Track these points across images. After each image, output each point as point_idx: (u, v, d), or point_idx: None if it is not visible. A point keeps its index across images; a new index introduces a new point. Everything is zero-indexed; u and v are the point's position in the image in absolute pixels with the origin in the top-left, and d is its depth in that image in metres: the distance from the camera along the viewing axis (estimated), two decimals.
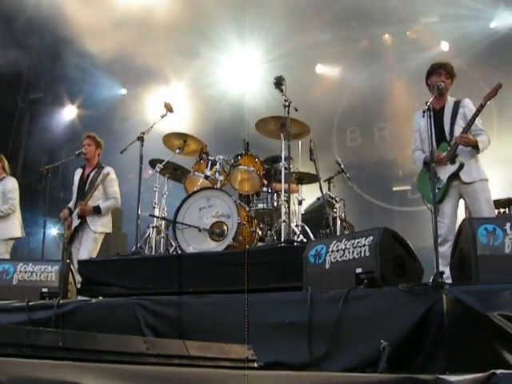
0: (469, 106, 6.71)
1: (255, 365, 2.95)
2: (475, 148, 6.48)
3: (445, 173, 6.58)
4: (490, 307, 3.94)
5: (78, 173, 8.74)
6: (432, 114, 5.47)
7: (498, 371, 3.31)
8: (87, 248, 8.21)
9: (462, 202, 6.79)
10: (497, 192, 8.46)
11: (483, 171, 6.63)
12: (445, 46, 12.04)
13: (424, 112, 5.46)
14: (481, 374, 3.29)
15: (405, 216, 11.66)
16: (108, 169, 8.59)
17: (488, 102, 6.42)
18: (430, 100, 5.61)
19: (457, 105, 6.77)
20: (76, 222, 8.33)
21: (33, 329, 2.37)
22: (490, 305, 3.96)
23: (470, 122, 6.45)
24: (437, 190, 6.47)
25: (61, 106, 14.37)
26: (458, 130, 6.62)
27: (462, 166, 6.50)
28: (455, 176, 6.54)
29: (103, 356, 2.44)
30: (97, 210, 8.25)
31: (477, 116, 6.46)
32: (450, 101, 6.84)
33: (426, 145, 6.61)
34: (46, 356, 2.24)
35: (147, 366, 2.31)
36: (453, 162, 6.55)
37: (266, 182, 8.12)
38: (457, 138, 6.49)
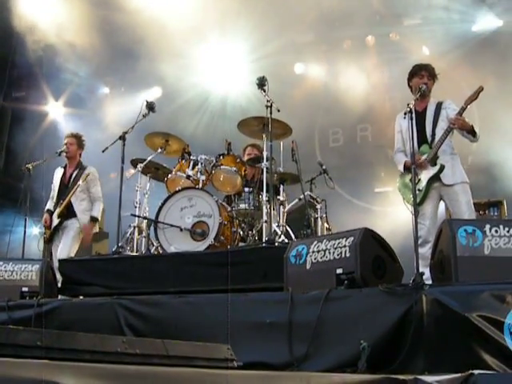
0: (451, 107, 6.75)
1: (234, 364, 2.96)
2: (471, 133, 6.51)
3: (425, 174, 6.62)
4: (469, 308, 3.97)
5: (59, 172, 8.74)
6: (414, 115, 5.52)
7: (476, 371, 3.34)
8: (67, 245, 8.23)
9: (442, 204, 6.84)
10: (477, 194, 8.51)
11: (464, 173, 6.68)
12: (426, 49, 12.08)
13: (405, 114, 5.50)
14: (459, 375, 3.32)
15: (386, 216, 11.68)
16: (90, 169, 8.60)
17: (469, 105, 6.47)
18: (412, 102, 5.65)
19: (439, 106, 6.81)
20: (55, 222, 8.33)
21: (11, 327, 2.35)
22: (469, 306, 3.99)
23: (462, 110, 6.48)
24: (417, 192, 6.52)
25: (44, 105, 14.29)
26: (439, 132, 6.67)
27: (442, 168, 6.55)
28: (436, 178, 6.58)
29: (82, 355, 2.43)
30: (94, 220, 8.36)
31: (464, 110, 6.50)
32: (432, 102, 6.88)
33: (408, 146, 6.66)
34: (24, 355, 2.23)
35: (126, 366, 2.31)
36: (434, 164, 6.59)
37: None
38: (452, 120, 6.50)
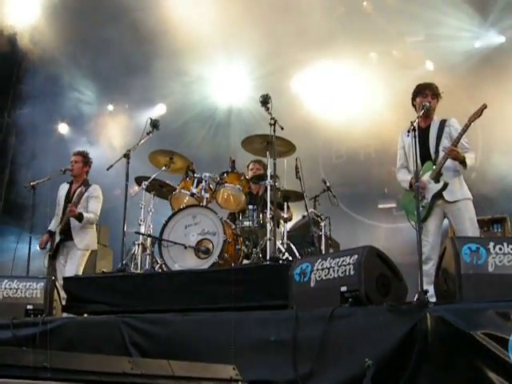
0: (454, 126, 6.76)
1: None
2: (462, 163, 6.53)
3: (429, 192, 6.63)
4: (473, 326, 3.96)
5: (64, 188, 8.75)
6: (417, 132, 5.53)
7: None
8: (74, 265, 8.21)
9: (446, 221, 6.84)
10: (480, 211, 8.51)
11: (467, 190, 6.68)
12: (430, 65, 12.12)
13: (409, 131, 5.51)
14: None
15: (390, 233, 11.68)
16: (94, 186, 8.61)
17: (473, 123, 6.48)
18: (416, 119, 5.66)
19: (442, 124, 6.81)
20: (57, 239, 8.33)
21: (18, 349, 2.37)
22: (473, 323, 3.99)
23: (457, 139, 6.49)
24: (421, 209, 6.53)
25: (48, 121, 14.33)
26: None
27: (445, 186, 6.55)
28: (439, 195, 6.59)
29: (88, 376, 2.44)
30: (79, 217, 8.26)
31: (462, 135, 6.51)
32: (436, 120, 6.88)
33: (411, 163, 6.67)
34: (31, 376, 2.24)
35: None
36: (437, 181, 6.60)
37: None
38: (446, 150, 6.52)
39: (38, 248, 8.58)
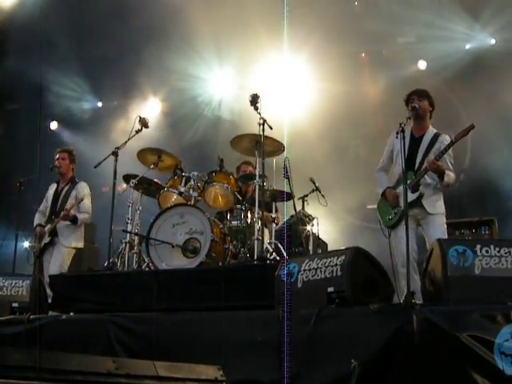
0: (445, 143, 6.73)
1: None
2: (441, 178, 6.54)
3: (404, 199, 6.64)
4: (459, 328, 3.98)
5: (53, 187, 8.72)
6: (410, 140, 5.55)
7: None
8: (58, 261, 8.17)
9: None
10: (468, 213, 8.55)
11: (443, 205, 6.73)
12: (422, 65, 12.13)
13: (398, 133, 5.52)
14: None
15: (378, 234, 11.68)
16: (82, 184, 8.57)
17: (459, 141, 6.50)
18: (404, 122, 5.66)
19: (435, 138, 6.79)
20: (46, 239, 8.29)
21: (3, 348, 2.35)
22: (459, 325, 4.01)
23: (441, 153, 6.49)
24: (393, 215, 6.65)
25: (37, 117, 14.25)
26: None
27: (421, 196, 6.57)
28: (417, 204, 6.60)
29: (73, 376, 2.43)
30: (74, 220, 8.23)
31: (446, 151, 6.51)
32: (431, 131, 6.86)
33: (395, 166, 6.74)
34: (15, 376, 2.23)
35: None
36: (415, 191, 6.61)
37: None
38: (428, 162, 6.53)
39: (38, 238, 8.47)
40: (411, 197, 6.54)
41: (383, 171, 7.12)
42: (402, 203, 6.58)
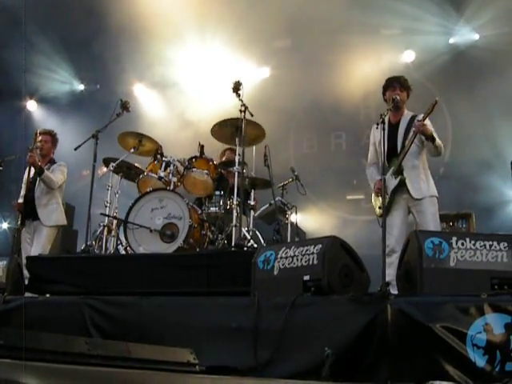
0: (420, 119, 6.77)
1: (197, 368, 2.96)
2: (430, 139, 6.55)
3: (389, 187, 6.67)
4: (432, 319, 4.00)
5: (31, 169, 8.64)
6: (388, 127, 5.56)
7: (438, 382, 3.37)
8: (40, 243, 8.13)
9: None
10: (447, 206, 8.59)
11: (433, 187, 6.75)
12: (408, 56, 12.18)
13: (378, 124, 5.54)
14: None
15: (357, 225, 11.72)
16: (60, 162, 8.51)
17: (427, 119, 6.53)
18: (385, 113, 5.68)
19: (412, 119, 6.84)
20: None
21: None
22: (432, 316, 4.02)
23: (426, 115, 6.52)
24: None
25: (16, 99, 14.15)
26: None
27: (402, 182, 6.62)
28: (403, 190, 6.65)
29: (45, 355, 2.43)
30: (40, 169, 8.16)
31: (428, 115, 6.55)
32: (407, 115, 6.92)
33: (380, 159, 6.75)
34: None
35: (87, 367, 2.31)
36: (397, 176, 6.65)
37: None
38: (415, 125, 6.56)
39: (18, 211, 8.36)
40: (393, 183, 6.59)
41: (372, 166, 7.17)
42: (388, 191, 6.63)
